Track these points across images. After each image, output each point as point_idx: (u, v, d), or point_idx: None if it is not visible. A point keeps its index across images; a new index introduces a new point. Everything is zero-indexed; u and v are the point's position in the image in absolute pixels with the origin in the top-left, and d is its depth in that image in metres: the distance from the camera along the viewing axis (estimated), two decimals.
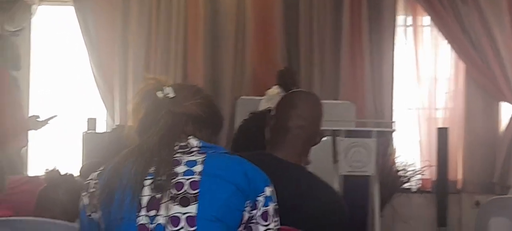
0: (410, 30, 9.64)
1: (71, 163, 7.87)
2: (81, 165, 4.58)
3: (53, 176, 3.61)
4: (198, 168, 2.10)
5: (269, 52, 9.41)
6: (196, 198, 2.05)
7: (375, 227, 7.72)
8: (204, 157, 2.13)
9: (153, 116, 2.17)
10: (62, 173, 3.44)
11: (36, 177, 4.36)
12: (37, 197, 3.41)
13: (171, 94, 2.18)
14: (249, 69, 9.36)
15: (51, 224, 2.87)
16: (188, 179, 2.07)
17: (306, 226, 2.75)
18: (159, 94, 2.19)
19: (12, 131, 5.85)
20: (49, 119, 6.20)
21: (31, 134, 6.12)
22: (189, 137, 2.18)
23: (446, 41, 9.41)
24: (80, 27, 9.19)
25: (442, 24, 9.37)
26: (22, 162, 6.01)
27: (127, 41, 9.26)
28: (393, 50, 9.48)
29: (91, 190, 2.15)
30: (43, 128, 6.21)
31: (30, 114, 6.24)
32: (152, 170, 2.09)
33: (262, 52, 9.41)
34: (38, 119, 6.14)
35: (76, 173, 4.17)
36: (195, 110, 2.20)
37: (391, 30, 9.49)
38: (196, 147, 2.17)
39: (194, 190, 2.06)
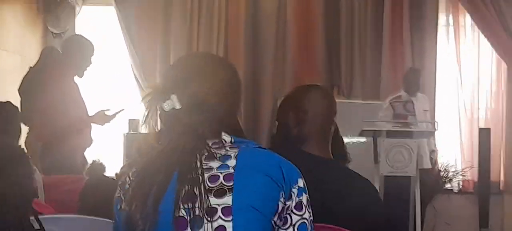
0: (451, 29, 9.59)
1: (112, 164, 7.95)
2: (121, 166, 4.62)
3: (94, 177, 3.67)
4: (232, 162, 2.12)
5: (310, 52, 9.41)
6: (231, 190, 2.08)
7: (416, 227, 7.70)
8: (237, 151, 2.16)
9: (185, 114, 2.17)
10: (105, 172, 3.49)
11: (80, 177, 4.42)
12: (78, 198, 3.47)
13: (178, 106, 2.18)
14: (289, 68, 9.36)
15: (93, 221, 2.91)
16: (222, 173, 2.10)
17: (345, 222, 2.76)
18: (166, 107, 2.18)
19: (71, 128, 5.93)
20: (116, 113, 6.28)
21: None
22: (221, 134, 2.20)
23: (488, 41, 9.33)
24: (122, 28, 9.26)
25: (483, 23, 9.28)
26: (85, 162, 6.08)
27: (169, 42, 9.32)
28: (435, 50, 9.44)
29: (127, 186, 2.17)
30: (109, 122, 6.29)
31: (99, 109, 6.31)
32: (186, 166, 2.11)
33: (303, 53, 9.41)
34: (107, 112, 6.22)
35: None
36: (207, 117, 2.19)
37: (433, 29, 9.45)
38: (228, 142, 2.19)
39: (229, 182, 2.09)
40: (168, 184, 2.09)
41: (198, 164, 2.11)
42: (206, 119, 2.19)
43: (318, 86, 3.55)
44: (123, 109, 6.42)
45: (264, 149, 2.24)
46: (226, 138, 2.20)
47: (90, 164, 3.74)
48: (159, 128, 2.23)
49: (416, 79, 8.49)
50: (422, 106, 8.35)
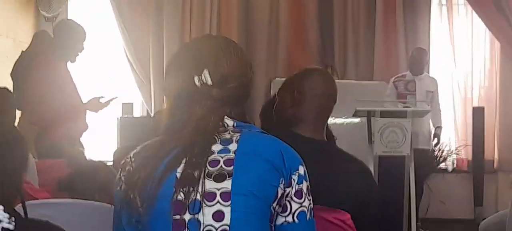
0: (445, 9, 9.58)
1: (107, 148, 7.94)
2: (115, 150, 4.64)
3: (77, 163, 3.67)
4: (233, 146, 2.12)
5: (303, 33, 9.40)
6: (230, 174, 2.07)
7: (411, 207, 7.71)
8: (239, 136, 2.15)
9: (190, 103, 2.18)
10: (85, 158, 3.48)
11: (60, 162, 4.42)
12: (57, 184, 3.46)
13: (209, 82, 2.19)
14: (283, 50, 9.35)
15: (89, 205, 2.91)
16: (223, 157, 2.09)
17: (339, 204, 2.76)
18: (197, 81, 2.19)
19: (67, 114, 5.93)
20: (110, 101, 6.28)
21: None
22: (224, 117, 2.19)
23: (481, 20, 9.33)
24: (115, 13, 9.24)
25: (476, 1, 9.28)
26: (82, 147, 6.09)
27: (162, 25, 9.29)
28: (428, 29, 9.43)
29: (127, 169, 2.17)
30: (103, 109, 6.29)
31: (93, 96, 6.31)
32: (188, 148, 2.11)
33: (296, 34, 9.40)
34: (101, 99, 6.22)
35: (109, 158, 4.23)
36: (233, 95, 2.22)
37: (426, 8, 9.45)
38: (231, 126, 2.19)
39: (228, 166, 2.08)
40: (170, 168, 2.09)
41: (202, 147, 2.11)
42: (231, 98, 2.21)
43: (320, 70, 3.55)
44: (116, 97, 6.42)
45: (267, 134, 2.23)
46: (229, 121, 2.20)
47: (69, 155, 3.73)
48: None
49: (420, 59, 8.44)
50: (426, 87, 8.30)
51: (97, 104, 6.25)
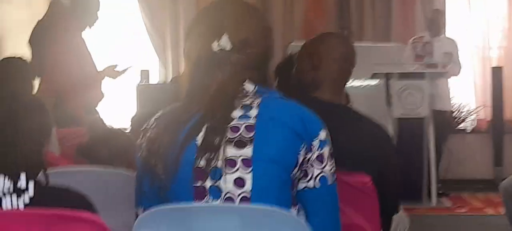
0: None
1: (125, 115, 7.95)
2: (132, 116, 4.64)
3: (96, 131, 3.67)
4: (253, 112, 2.10)
5: None
6: (251, 141, 2.05)
7: (431, 168, 7.71)
8: (259, 101, 2.12)
9: (209, 69, 2.16)
10: (107, 126, 3.49)
11: (80, 130, 4.44)
12: (75, 151, 3.47)
13: (228, 47, 2.17)
14: (299, 14, 9.31)
15: (108, 172, 2.91)
16: (243, 123, 2.08)
17: (359, 167, 2.76)
18: (215, 46, 2.17)
19: (84, 83, 5.95)
20: (125, 70, 6.30)
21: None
22: (244, 82, 2.17)
23: None
24: None
25: None
26: (99, 115, 6.11)
27: None
28: None
29: (149, 134, 2.16)
30: (119, 77, 6.31)
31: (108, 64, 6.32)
32: (209, 114, 2.10)
33: None
34: (116, 68, 6.23)
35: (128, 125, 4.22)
36: (253, 59, 2.20)
37: None
38: (251, 91, 2.16)
39: (249, 133, 2.06)
40: (192, 134, 2.09)
41: (223, 114, 2.10)
42: (251, 63, 2.20)
43: (338, 34, 3.54)
44: (131, 66, 6.42)
45: (287, 99, 2.21)
46: (249, 86, 2.17)
47: (88, 122, 3.73)
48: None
49: (438, 20, 8.37)
50: (444, 49, 8.23)
51: (113, 72, 6.25)
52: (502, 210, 5.49)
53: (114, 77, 6.28)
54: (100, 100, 6.31)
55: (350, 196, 2.64)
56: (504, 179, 5.32)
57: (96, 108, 6.26)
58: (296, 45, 8.69)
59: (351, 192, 2.68)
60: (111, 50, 9.09)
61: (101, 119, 5.96)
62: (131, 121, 4.53)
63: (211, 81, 2.15)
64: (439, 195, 8.04)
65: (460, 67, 8.24)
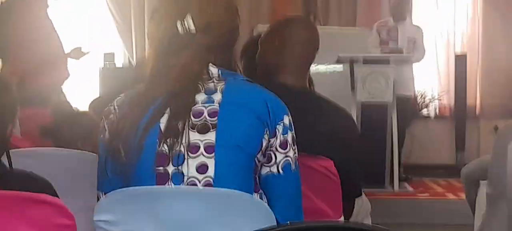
0: None
1: (89, 99, 7.91)
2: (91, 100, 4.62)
3: (62, 111, 3.65)
4: (217, 96, 2.09)
5: None
6: (215, 126, 2.05)
7: (393, 153, 7.76)
8: (223, 85, 2.12)
9: (174, 51, 2.14)
10: (72, 108, 3.46)
11: (43, 110, 4.40)
12: (39, 132, 3.44)
13: (192, 29, 2.14)
14: None
15: (73, 154, 2.90)
16: (207, 107, 2.07)
17: (322, 151, 2.77)
18: (179, 27, 2.14)
19: (49, 61, 5.91)
20: (88, 51, 6.28)
21: None
22: (209, 65, 2.16)
23: None
24: None
25: None
26: (64, 96, 6.07)
27: None
28: None
29: (111, 117, 2.16)
30: (82, 58, 6.28)
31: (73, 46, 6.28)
32: (172, 97, 2.09)
33: None
34: (82, 50, 6.21)
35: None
36: (217, 42, 2.19)
37: None
38: (216, 75, 2.15)
39: (213, 118, 2.05)
40: (155, 117, 2.07)
41: (186, 97, 2.08)
42: (216, 45, 2.18)
43: (302, 18, 3.54)
44: (93, 48, 6.40)
45: (252, 83, 2.20)
46: (213, 69, 2.15)
47: (55, 102, 3.70)
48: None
49: (403, 6, 8.39)
50: (408, 34, 8.27)
51: (76, 53, 6.22)
52: (463, 195, 5.55)
53: (77, 58, 6.24)
54: (66, 79, 6.27)
55: (313, 180, 2.66)
56: (466, 164, 5.38)
57: (62, 87, 6.22)
58: (262, 27, 8.75)
59: (314, 176, 2.70)
60: (75, 33, 9.02)
61: (67, 100, 5.92)
62: (89, 106, 4.51)
63: (175, 63, 2.13)
64: (402, 180, 8.10)
65: (423, 53, 8.28)
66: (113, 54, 8.64)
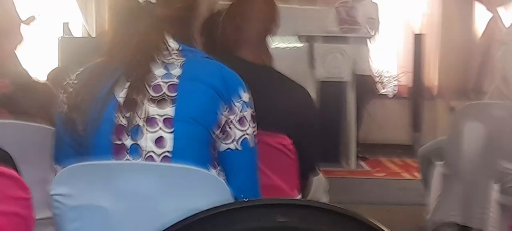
0: None
1: (47, 68, 7.83)
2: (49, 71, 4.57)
3: (19, 82, 3.60)
4: (177, 72, 2.09)
5: None
6: (173, 100, 2.04)
7: (351, 131, 7.80)
8: (183, 61, 2.11)
9: (133, 20, 2.13)
10: (31, 78, 3.42)
11: (3, 80, 4.35)
12: None
13: None
14: None
15: (29, 126, 2.87)
16: (166, 82, 2.06)
17: (280, 129, 2.78)
18: None
19: (4, 29, 5.84)
20: (39, 15, 6.22)
21: None
22: (169, 40, 2.15)
23: None
24: None
25: None
26: (19, 63, 6.00)
27: None
28: None
29: (70, 90, 2.14)
30: (33, 23, 6.21)
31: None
32: (131, 72, 2.08)
33: None
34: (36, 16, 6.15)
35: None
36: (177, 14, 2.19)
37: None
38: (175, 50, 2.14)
39: (172, 92, 2.05)
40: (121, 88, 2.06)
41: (144, 71, 2.07)
42: (176, 19, 2.18)
43: None
44: (41, 14, 6.34)
45: (212, 59, 2.20)
46: (173, 44, 2.15)
47: (14, 72, 3.66)
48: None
49: None
50: (367, 13, 8.30)
51: (28, 19, 6.16)
52: (418, 175, 5.61)
53: (27, 24, 6.18)
54: (19, 43, 6.20)
55: (271, 157, 2.67)
56: (423, 145, 5.42)
57: (16, 53, 6.16)
58: (223, 4, 8.71)
59: (271, 153, 2.71)
60: (33, 1, 8.92)
61: (26, 70, 5.87)
62: (48, 76, 4.46)
63: (133, 34, 2.12)
64: (358, 158, 8.17)
65: (378, 26, 8.33)
66: (69, 23, 8.53)
